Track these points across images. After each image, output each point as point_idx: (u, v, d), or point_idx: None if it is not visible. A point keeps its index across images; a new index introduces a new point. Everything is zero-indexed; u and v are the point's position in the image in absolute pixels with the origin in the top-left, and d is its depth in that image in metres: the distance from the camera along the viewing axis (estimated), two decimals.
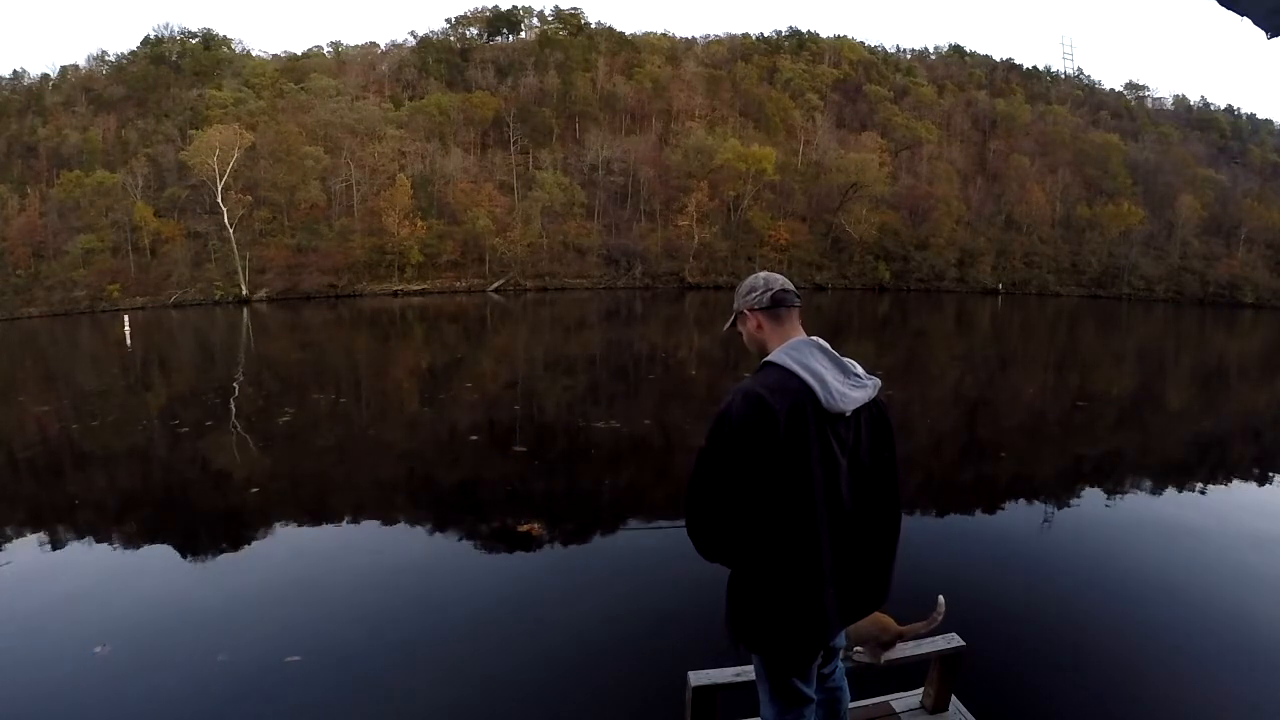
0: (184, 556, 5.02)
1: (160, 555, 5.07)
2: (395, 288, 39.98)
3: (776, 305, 1.70)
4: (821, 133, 53.80)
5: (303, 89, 50.02)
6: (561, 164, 48.52)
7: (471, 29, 62.89)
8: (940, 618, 2.35)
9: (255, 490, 6.44)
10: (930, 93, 61.13)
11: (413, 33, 67.42)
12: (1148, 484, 6.71)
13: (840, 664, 1.99)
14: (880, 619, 2.31)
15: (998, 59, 70.95)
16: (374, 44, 63.80)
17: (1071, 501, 6.18)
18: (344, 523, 5.70)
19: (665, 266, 44.76)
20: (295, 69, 54.55)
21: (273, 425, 8.93)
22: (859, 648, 2.39)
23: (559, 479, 6.85)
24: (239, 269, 38.50)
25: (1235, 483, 6.95)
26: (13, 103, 49.56)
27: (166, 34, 54.64)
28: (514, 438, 8.47)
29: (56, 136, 46.71)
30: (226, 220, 38.85)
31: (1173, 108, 69.85)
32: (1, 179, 43.67)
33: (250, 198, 40.57)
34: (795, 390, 1.55)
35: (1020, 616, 3.93)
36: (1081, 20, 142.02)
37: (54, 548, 5.20)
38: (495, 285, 41.60)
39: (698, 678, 2.26)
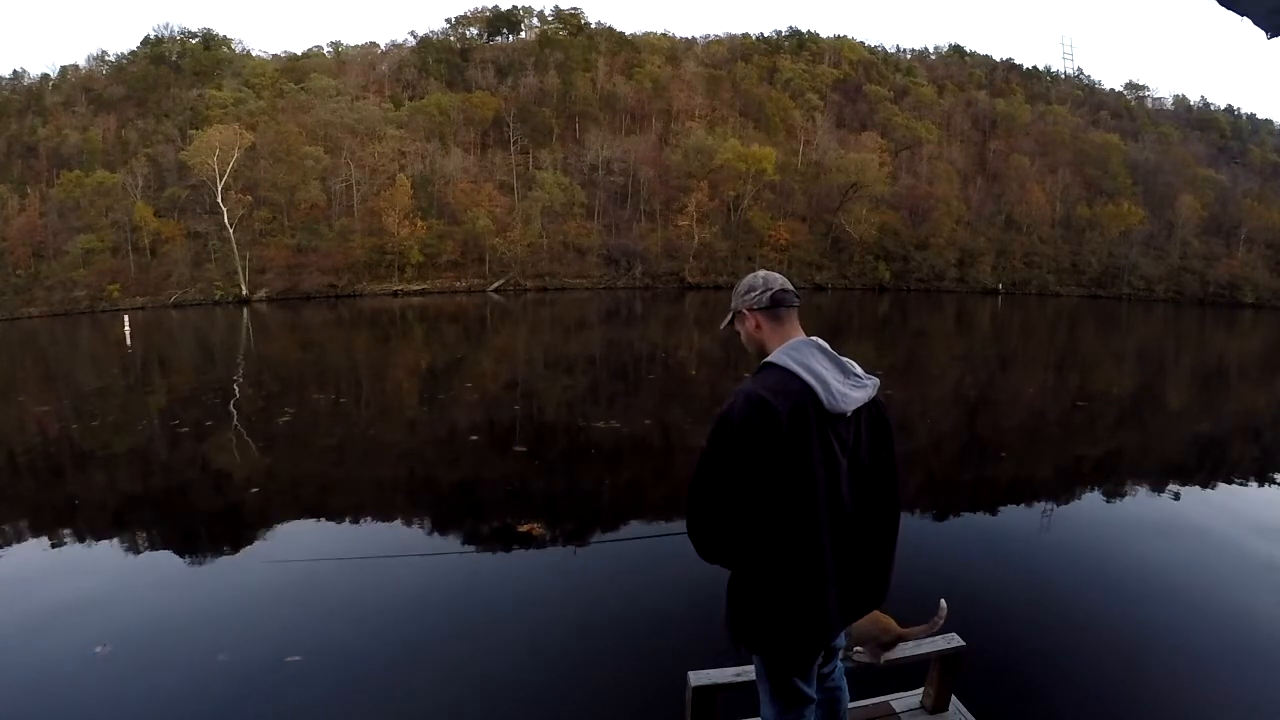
0: (184, 556, 5.02)
1: (160, 555, 5.08)
2: (395, 288, 39.98)
3: (776, 305, 1.69)
4: (821, 133, 53.79)
5: (303, 89, 50.01)
6: (561, 164, 48.51)
7: (471, 29, 62.89)
8: (942, 621, 2.36)
9: (255, 490, 6.45)
10: (930, 93, 61.11)
11: (413, 33, 67.49)
12: (1147, 484, 6.72)
13: (839, 663, 1.99)
14: (881, 619, 2.31)
15: (998, 59, 71.03)
16: (374, 44, 63.88)
17: (1071, 501, 6.19)
18: (344, 523, 5.70)
19: (665, 266, 44.76)
20: (295, 69, 54.53)
21: (273, 425, 8.93)
22: (859, 648, 2.39)
23: (559, 479, 6.85)
24: (239, 269, 38.50)
25: (1235, 482, 6.95)
26: (13, 103, 49.55)
27: (166, 34, 54.69)
28: (514, 438, 8.47)
29: (56, 136, 46.70)
30: (226, 220, 38.85)
31: (1173, 108, 69.85)
32: (1, 179, 43.66)
33: (250, 198, 40.58)
34: (797, 392, 1.55)
35: (1020, 616, 3.93)
36: (1081, 20, 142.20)
37: (54, 548, 5.20)
38: (495, 285, 41.61)
39: (698, 678, 2.26)
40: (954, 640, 2.50)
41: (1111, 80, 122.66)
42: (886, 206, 48.22)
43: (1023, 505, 6.15)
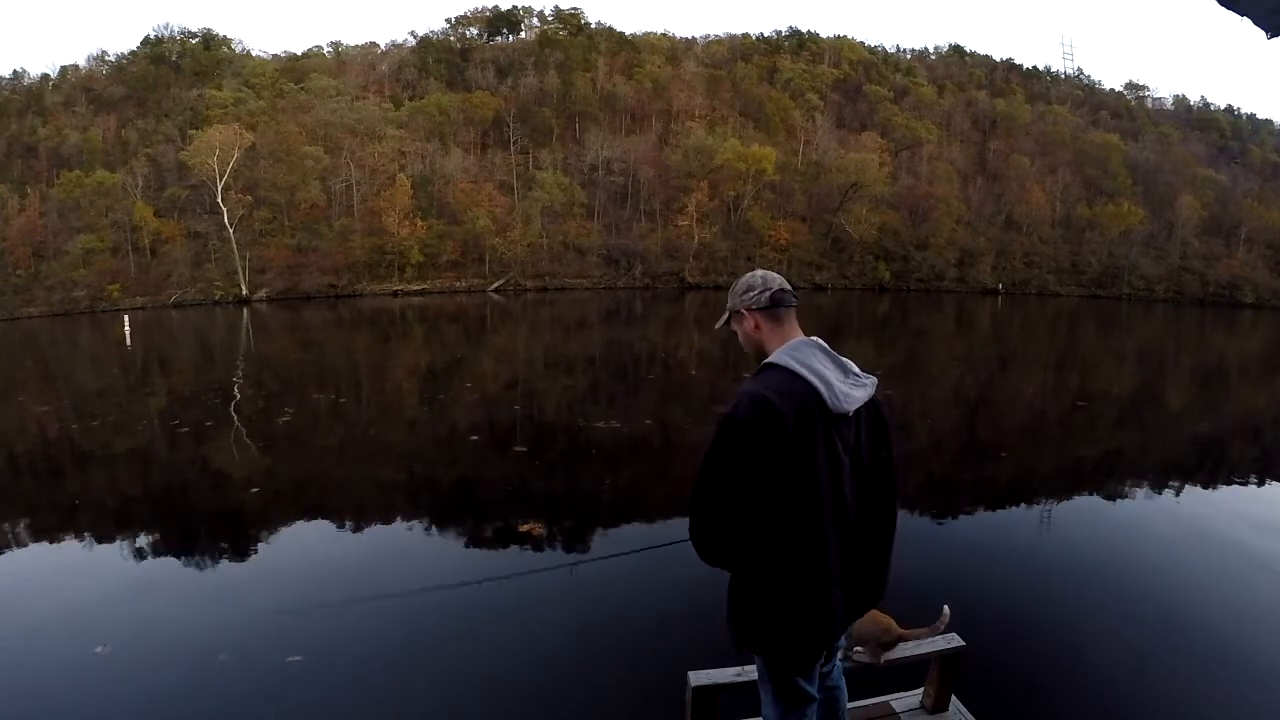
0: (184, 556, 5.02)
1: (160, 555, 5.07)
2: (395, 288, 39.96)
3: (775, 305, 1.69)
4: (821, 133, 53.77)
5: (303, 89, 49.99)
6: (561, 164, 48.50)
7: (471, 29, 62.88)
8: (943, 626, 2.36)
9: (255, 490, 6.45)
10: (930, 93, 61.09)
11: (413, 33, 67.47)
12: (1148, 484, 6.71)
13: (838, 663, 1.99)
14: (882, 620, 2.31)
15: (998, 59, 70.99)
16: (374, 44, 63.84)
17: (1071, 501, 6.19)
18: (344, 523, 5.70)
19: (665, 266, 44.73)
20: (295, 69, 54.52)
21: (273, 425, 8.93)
22: (859, 648, 2.39)
23: (559, 479, 6.85)
24: (239, 269, 38.49)
25: (1235, 482, 6.95)
26: (13, 103, 49.53)
27: (166, 34, 54.68)
28: (514, 438, 8.47)
29: (56, 136, 46.68)
30: (226, 220, 38.83)
31: (1173, 108, 69.83)
32: (1, 179, 43.64)
33: (250, 198, 40.55)
34: (802, 393, 1.54)
35: (1020, 616, 3.93)
36: (1081, 20, 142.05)
37: (54, 548, 5.20)
38: (495, 285, 41.59)
39: (698, 678, 2.26)
40: (954, 640, 2.50)
41: (1111, 80, 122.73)
42: (886, 206, 48.19)
43: (1022, 505, 6.15)
